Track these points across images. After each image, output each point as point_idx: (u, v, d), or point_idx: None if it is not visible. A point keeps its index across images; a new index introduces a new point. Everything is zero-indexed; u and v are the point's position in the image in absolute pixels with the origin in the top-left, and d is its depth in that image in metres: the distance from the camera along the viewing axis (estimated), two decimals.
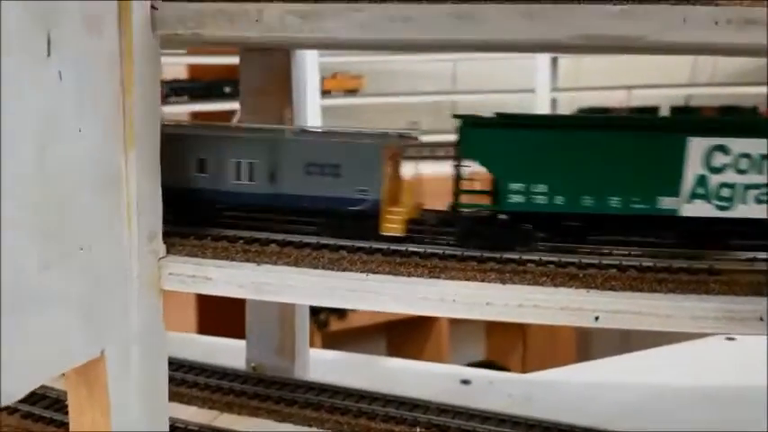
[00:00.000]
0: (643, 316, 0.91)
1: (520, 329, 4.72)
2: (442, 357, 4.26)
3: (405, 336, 4.57)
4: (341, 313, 4.28)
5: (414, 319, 4.38)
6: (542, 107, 4.41)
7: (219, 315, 2.18)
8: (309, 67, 4.16)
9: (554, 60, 4.39)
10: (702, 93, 4.35)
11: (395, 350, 4.55)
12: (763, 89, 4.08)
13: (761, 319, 0.88)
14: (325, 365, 1.69)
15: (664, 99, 4.38)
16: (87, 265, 0.93)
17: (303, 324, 1.53)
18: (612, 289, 0.94)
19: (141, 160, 1.00)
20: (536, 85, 4.41)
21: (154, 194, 1.04)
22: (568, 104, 4.63)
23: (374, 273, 1.02)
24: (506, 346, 4.88)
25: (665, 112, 4.35)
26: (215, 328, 2.02)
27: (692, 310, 0.90)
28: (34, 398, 1.34)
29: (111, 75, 0.96)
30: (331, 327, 4.22)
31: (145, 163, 1.01)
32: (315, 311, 4.15)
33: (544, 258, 1.00)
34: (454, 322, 4.48)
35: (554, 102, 4.49)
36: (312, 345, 1.83)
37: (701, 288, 0.93)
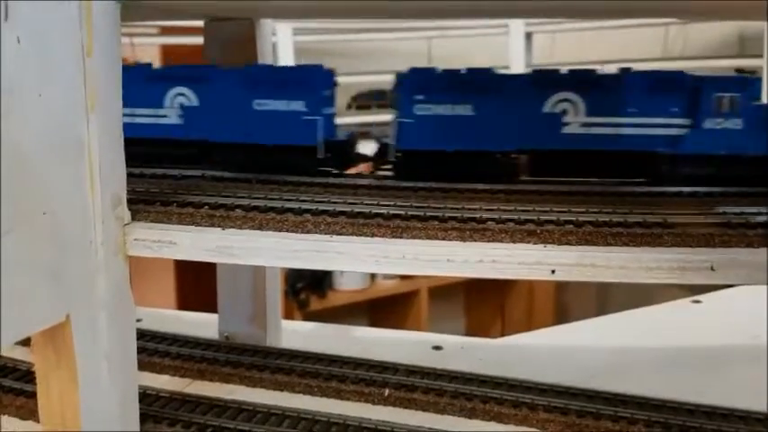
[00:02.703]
0: (597, 268, 0.93)
1: (498, 302, 4.77)
2: None
3: (385, 314, 4.60)
4: (321, 293, 4.30)
5: (394, 297, 4.41)
6: None
7: (199, 293, 2.18)
8: (282, 45, 4.14)
9: (528, 36, 4.40)
10: (674, 66, 4.40)
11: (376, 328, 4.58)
12: (730, 62, 4.14)
13: (712, 269, 0.91)
14: (301, 336, 1.71)
15: None
16: (51, 230, 0.93)
17: (274, 292, 1.54)
18: (569, 243, 0.96)
19: (104, 126, 1.00)
20: (510, 62, 4.42)
21: (117, 161, 1.04)
22: None
23: (338, 234, 1.03)
24: (485, 319, 4.93)
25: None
26: (194, 307, 2.03)
27: (646, 262, 0.92)
28: (4, 371, 1.35)
29: (72, 40, 0.96)
30: (311, 306, 4.24)
31: (107, 129, 1.01)
32: (295, 292, 4.16)
33: (504, 216, 1.02)
34: (434, 299, 4.51)
35: None
36: None
37: (655, 241, 0.96)
